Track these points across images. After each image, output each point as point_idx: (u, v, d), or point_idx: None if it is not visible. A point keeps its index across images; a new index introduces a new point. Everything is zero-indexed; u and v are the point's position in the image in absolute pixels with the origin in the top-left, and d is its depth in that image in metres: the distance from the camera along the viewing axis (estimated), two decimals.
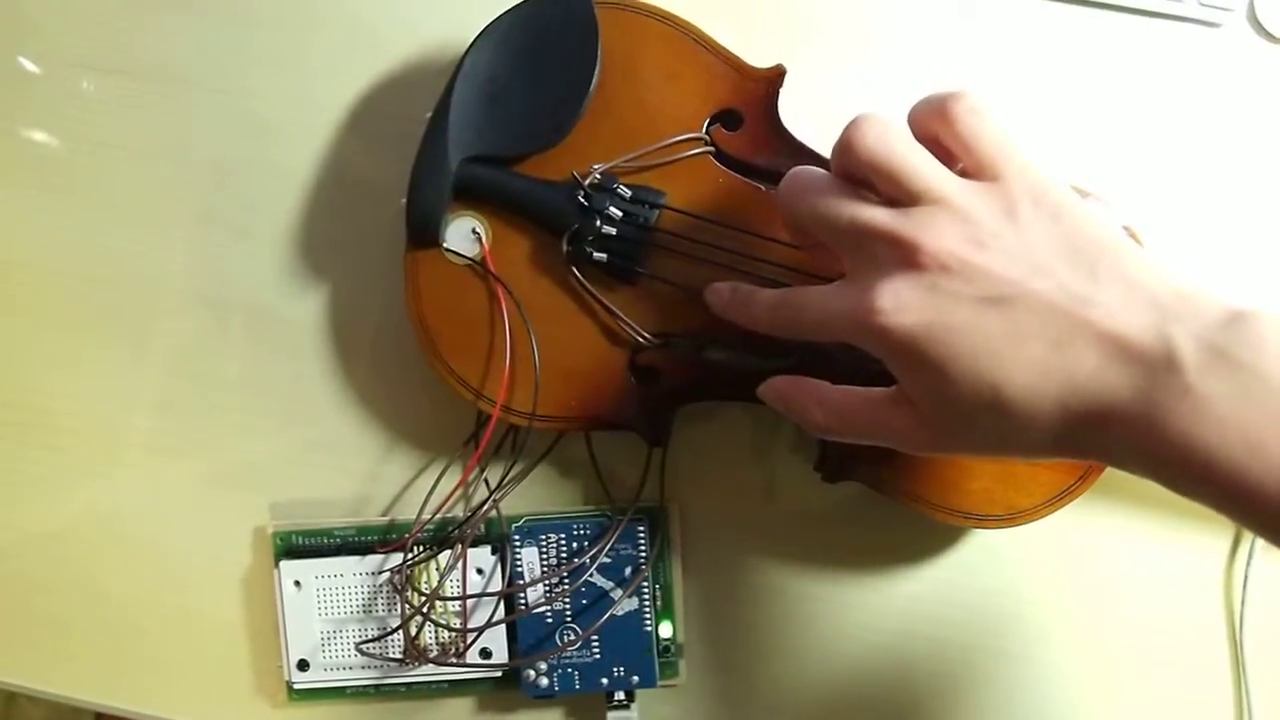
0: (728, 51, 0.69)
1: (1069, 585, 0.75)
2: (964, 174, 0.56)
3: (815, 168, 0.60)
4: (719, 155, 0.69)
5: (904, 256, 0.54)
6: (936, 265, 0.53)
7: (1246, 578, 0.74)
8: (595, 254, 0.68)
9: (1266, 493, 0.48)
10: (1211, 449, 0.49)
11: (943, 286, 0.53)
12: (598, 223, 0.67)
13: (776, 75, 0.69)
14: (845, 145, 0.57)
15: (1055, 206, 0.54)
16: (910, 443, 0.57)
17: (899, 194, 0.55)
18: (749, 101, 0.69)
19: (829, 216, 0.57)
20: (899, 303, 0.53)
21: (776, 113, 0.69)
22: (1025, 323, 0.52)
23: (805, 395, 0.61)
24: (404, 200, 0.69)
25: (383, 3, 0.76)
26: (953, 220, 0.54)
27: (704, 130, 0.69)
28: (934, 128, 0.57)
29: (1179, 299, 0.51)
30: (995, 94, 0.73)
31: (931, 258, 0.53)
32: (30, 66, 0.78)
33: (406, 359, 0.75)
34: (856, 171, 0.57)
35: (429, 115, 0.69)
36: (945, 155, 0.57)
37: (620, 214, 0.67)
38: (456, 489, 0.75)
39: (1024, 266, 0.52)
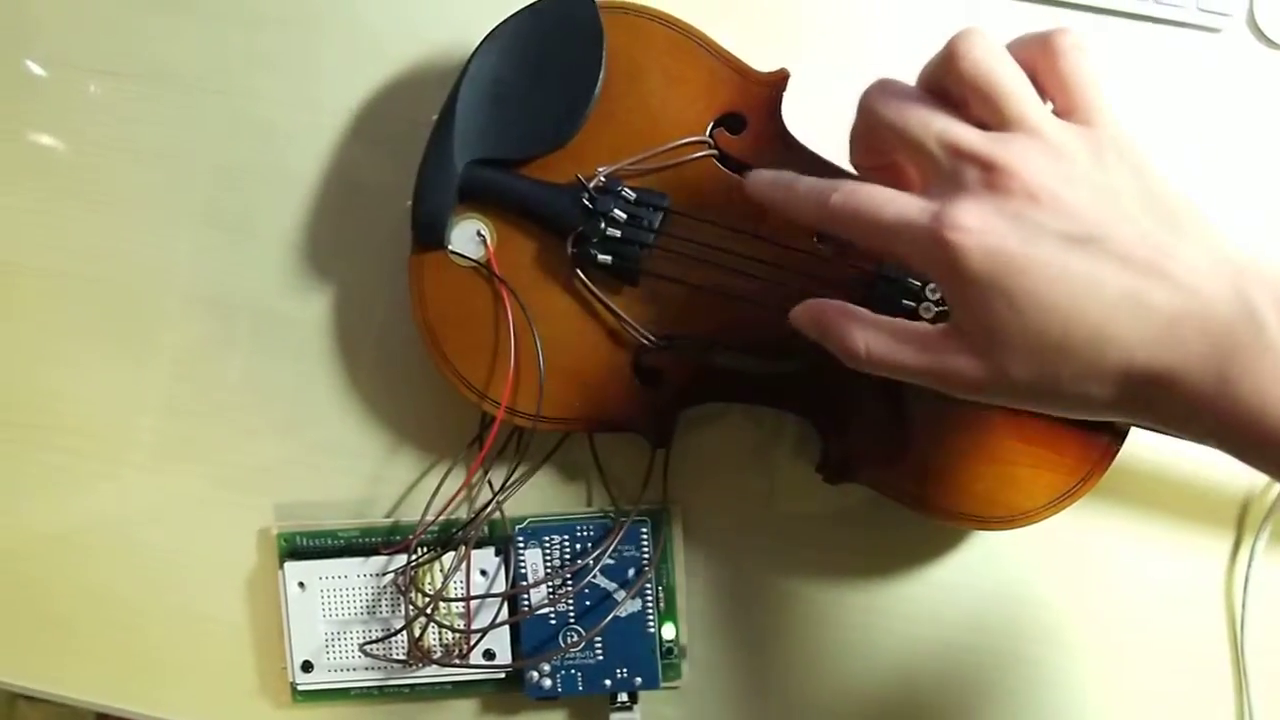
0: (731, 55, 0.70)
1: (1070, 588, 0.75)
2: (1055, 114, 0.55)
3: (901, 81, 0.58)
4: (722, 158, 0.69)
5: (993, 180, 0.52)
6: (1025, 194, 0.51)
7: (1247, 580, 0.74)
8: (599, 256, 0.68)
9: None
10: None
11: (1028, 216, 0.51)
12: (602, 225, 0.68)
13: (780, 79, 0.69)
14: (951, 55, 0.55)
15: (1139, 162, 0.53)
16: (957, 379, 0.55)
17: (994, 116, 0.54)
18: (753, 105, 0.69)
19: (917, 125, 0.55)
20: (983, 224, 0.51)
21: (780, 116, 0.69)
22: (1105, 266, 0.50)
23: (846, 318, 0.58)
24: (409, 203, 0.69)
25: (387, 6, 0.77)
26: (1046, 152, 0.52)
27: (708, 133, 0.70)
28: (1035, 59, 0.55)
29: (1254, 265, 0.50)
30: None
31: (1021, 185, 0.51)
32: (37, 70, 0.78)
33: (411, 361, 0.75)
34: (954, 86, 0.55)
35: (434, 118, 0.69)
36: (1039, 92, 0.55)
37: (624, 216, 0.68)
38: (460, 490, 0.75)
39: (1110, 210, 0.51)
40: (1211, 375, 0.49)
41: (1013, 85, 0.54)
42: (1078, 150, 0.53)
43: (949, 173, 0.54)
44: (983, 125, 0.54)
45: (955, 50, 0.55)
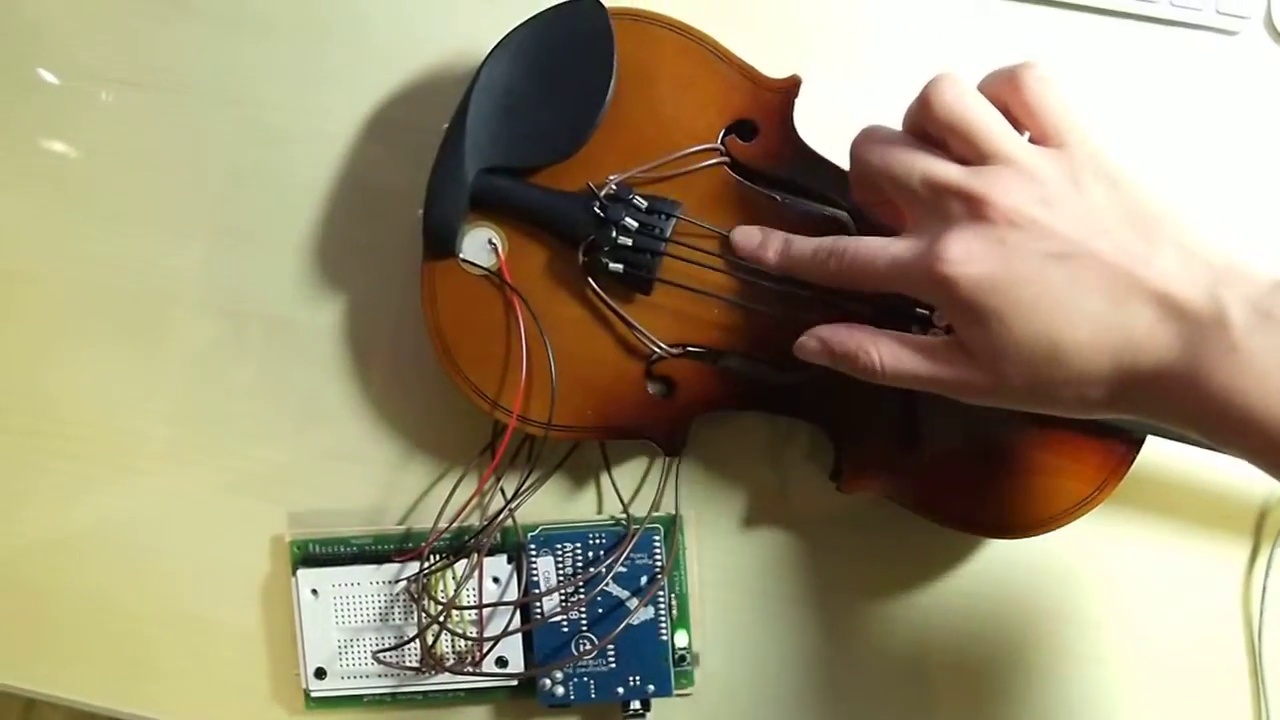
0: (743, 62, 0.69)
1: (1087, 595, 0.75)
2: (1030, 141, 0.58)
3: (886, 126, 0.63)
4: (734, 166, 0.69)
5: (974, 210, 0.56)
6: (1005, 220, 0.55)
7: (1265, 588, 0.74)
8: (611, 264, 0.68)
9: None
10: (1251, 402, 0.52)
11: (1010, 240, 0.55)
12: (613, 233, 0.67)
13: (792, 85, 0.69)
14: (924, 102, 0.59)
15: (1114, 176, 0.56)
16: (965, 387, 0.59)
17: (972, 152, 0.58)
18: (764, 112, 0.69)
19: (902, 168, 0.59)
20: (969, 253, 0.55)
21: (792, 123, 0.69)
22: (1086, 279, 0.54)
23: (856, 337, 0.61)
24: (420, 211, 0.69)
25: (398, 15, 0.76)
26: (1022, 180, 0.56)
27: (719, 141, 0.69)
28: (1004, 95, 0.59)
29: (1228, 266, 0.54)
30: None
31: (1001, 213, 0.55)
32: (49, 78, 0.78)
33: (423, 367, 0.75)
34: (932, 128, 0.59)
35: (445, 126, 0.69)
36: (1012, 124, 0.59)
37: (636, 225, 0.67)
38: (472, 499, 0.75)
39: (1087, 226, 0.55)
40: (1188, 372, 0.53)
41: (985, 122, 0.58)
42: (1052, 173, 0.56)
43: (934, 209, 0.58)
44: (963, 161, 0.58)
45: (928, 98, 0.59)
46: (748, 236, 0.66)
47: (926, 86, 0.59)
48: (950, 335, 0.59)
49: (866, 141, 0.62)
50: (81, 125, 0.79)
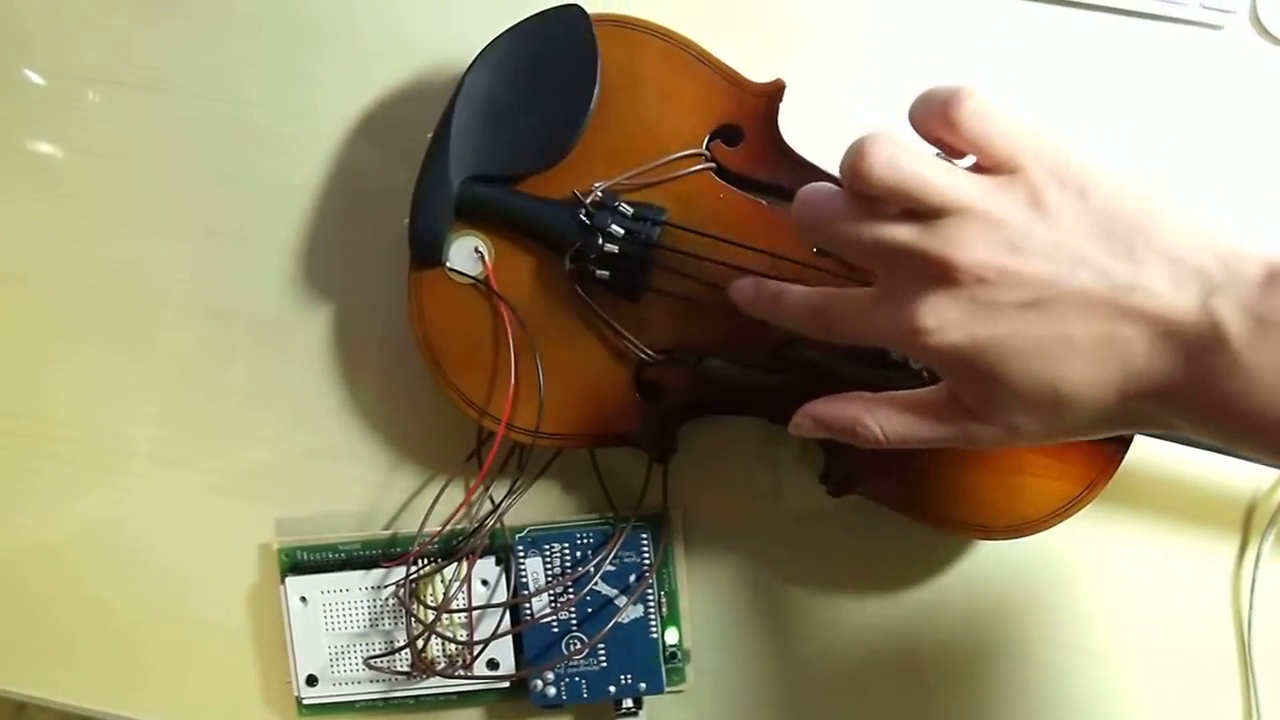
0: (727, 67, 0.69)
1: (1076, 591, 0.75)
2: (979, 169, 0.55)
3: (825, 185, 0.58)
4: (720, 171, 0.69)
5: (937, 274, 0.53)
6: (973, 279, 0.52)
7: (1254, 583, 0.74)
8: (598, 271, 0.67)
9: None
10: (1265, 409, 0.49)
11: (983, 298, 0.52)
12: (600, 240, 0.67)
13: (776, 90, 0.69)
14: (853, 173, 0.54)
15: (1080, 183, 0.52)
16: (980, 440, 0.57)
17: (920, 210, 0.54)
18: (749, 116, 0.69)
19: (850, 240, 0.56)
20: (942, 320, 0.53)
21: (777, 127, 0.69)
22: (1071, 321, 0.52)
23: (849, 410, 0.60)
24: (406, 220, 0.69)
25: (387, 14, 0.76)
26: (981, 228, 0.52)
27: (704, 146, 0.69)
28: (940, 135, 0.55)
29: (1218, 264, 0.51)
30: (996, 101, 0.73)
31: (967, 272, 0.52)
32: (35, 78, 0.78)
33: (410, 371, 0.75)
34: (870, 195, 0.55)
35: (430, 135, 0.68)
36: (955, 152, 0.56)
37: (622, 231, 0.67)
38: (460, 509, 0.75)
39: (1061, 261, 0.52)
40: (1193, 391, 0.51)
41: (924, 179, 0.53)
42: (1012, 209, 0.53)
43: (896, 271, 0.55)
44: (914, 216, 0.54)
45: (855, 170, 0.54)
46: (741, 291, 0.64)
47: (850, 155, 0.54)
48: (943, 385, 0.57)
49: (806, 215, 0.58)
50: (69, 126, 0.78)
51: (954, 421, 0.57)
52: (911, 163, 0.53)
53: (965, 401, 0.56)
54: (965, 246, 0.52)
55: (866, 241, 0.55)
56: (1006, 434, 0.55)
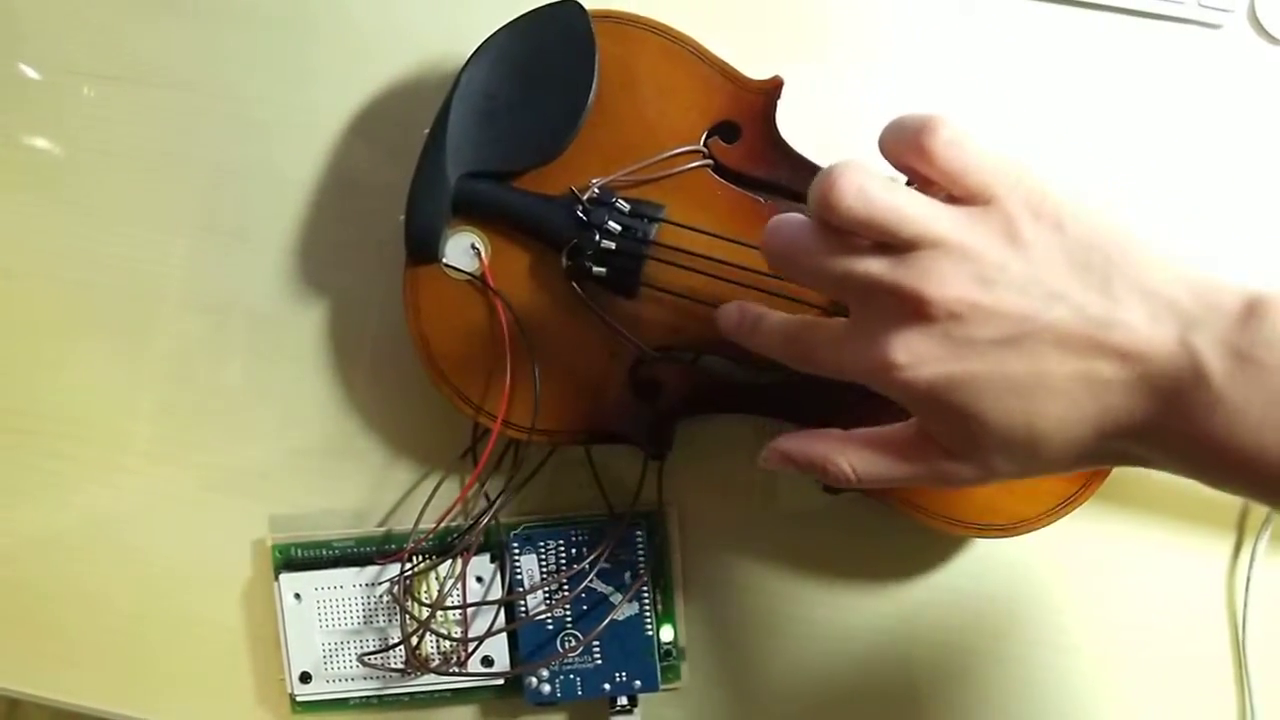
0: (725, 64, 0.69)
1: (1072, 591, 0.75)
2: (952, 199, 0.54)
3: (794, 215, 0.57)
4: (717, 168, 0.69)
5: (910, 309, 0.52)
6: (946, 314, 0.51)
7: (1249, 582, 0.74)
8: (594, 268, 0.67)
9: None
10: (1245, 447, 0.49)
11: (956, 335, 0.51)
12: (596, 237, 0.67)
13: (774, 87, 0.69)
14: (823, 204, 0.53)
15: (1056, 215, 0.52)
16: (954, 480, 0.56)
17: (892, 242, 0.53)
18: (747, 114, 0.69)
19: (820, 274, 0.55)
20: (914, 357, 0.52)
21: (774, 124, 0.69)
22: (1047, 358, 0.51)
23: (820, 449, 0.59)
24: (402, 216, 0.68)
25: (383, 9, 0.76)
26: (954, 262, 0.51)
27: (702, 143, 0.69)
28: (914, 166, 0.54)
29: (1195, 298, 0.50)
30: (994, 99, 0.73)
31: (939, 307, 0.51)
32: (30, 73, 0.77)
33: (406, 368, 0.75)
34: (841, 226, 0.54)
35: (426, 131, 0.68)
36: (927, 182, 0.55)
37: (619, 228, 0.67)
38: (455, 505, 0.75)
39: (1036, 296, 0.51)
40: (1174, 429, 0.50)
41: (896, 212, 0.52)
42: (986, 241, 0.52)
43: (868, 304, 0.54)
44: (887, 249, 0.53)
45: (825, 203, 0.53)
46: (725, 317, 0.63)
47: (819, 187, 0.53)
48: (915, 423, 0.56)
49: (776, 249, 0.57)
50: (64, 121, 0.78)
51: (926, 460, 0.56)
52: (883, 194, 0.52)
53: (938, 439, 0.55)
54: (938, 281, 0.51)
55: (837, 275, 0.54)
56: (981, 472, 0.55)
